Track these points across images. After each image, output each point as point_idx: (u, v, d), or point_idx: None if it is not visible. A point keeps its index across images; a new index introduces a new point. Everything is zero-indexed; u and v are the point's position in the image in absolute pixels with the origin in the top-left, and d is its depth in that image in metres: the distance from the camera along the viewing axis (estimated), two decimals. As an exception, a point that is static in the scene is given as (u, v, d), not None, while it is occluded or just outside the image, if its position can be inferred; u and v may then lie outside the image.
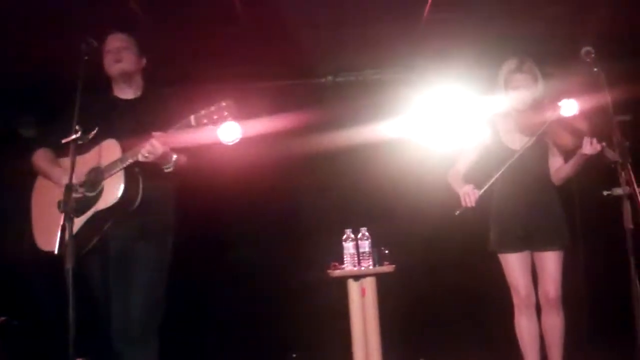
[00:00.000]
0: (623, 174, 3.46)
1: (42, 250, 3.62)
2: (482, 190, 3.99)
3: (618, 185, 3.44)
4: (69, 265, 3.11)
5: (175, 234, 3.76)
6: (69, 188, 3.19)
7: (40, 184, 3.78)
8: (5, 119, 5.73)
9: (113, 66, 3.70)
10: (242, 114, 3.62)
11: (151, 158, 3.44)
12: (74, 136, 3.26)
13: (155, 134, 3.44)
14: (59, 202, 3.41)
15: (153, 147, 3.42)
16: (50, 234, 3.48)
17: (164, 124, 3.50)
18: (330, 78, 6.02)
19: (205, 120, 3.42)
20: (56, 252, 3.09)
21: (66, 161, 3.53)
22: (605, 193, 3.48)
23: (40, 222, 3.71)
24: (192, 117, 3.44)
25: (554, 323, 4.12)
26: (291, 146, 5.57)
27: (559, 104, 4.04)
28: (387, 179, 5.84)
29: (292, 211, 6.04)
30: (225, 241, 6.02)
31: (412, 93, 5.87)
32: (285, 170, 5.84)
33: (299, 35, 5.19)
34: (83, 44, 3.38)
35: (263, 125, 5.58)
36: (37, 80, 5.30)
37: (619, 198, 3.42)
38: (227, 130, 5.77)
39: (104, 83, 3.81)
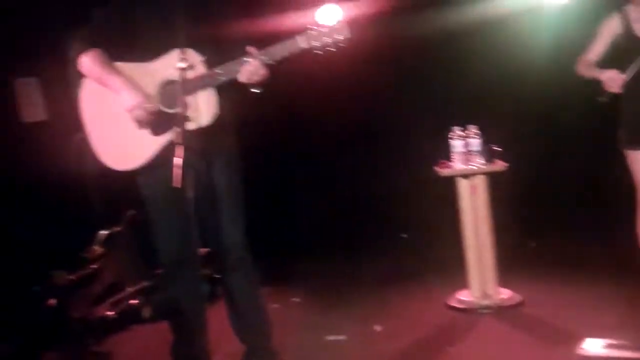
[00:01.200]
0: None
1: (111, 168, 3.34)
2: (628, 76, 3.77)
3: None
4: (191, 193, 3.09)
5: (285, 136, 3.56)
6: (184, 118, 2.97)
7: (91, 89, 3.38)
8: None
9: None
10: (356, 37, 3.25)
11: (254, 80, 3.14)
12: (182, 64, 3.01)
13: (253, 51, 3.11)
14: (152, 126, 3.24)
15: (256, 68, 3.12)
16: (122, 150, 3.31)
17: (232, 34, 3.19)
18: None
19: (315, 43, 3.05)
20: (177, 185, 2.84)
21: (121, 68, 3.30)
22: None
23: (104, 136, 3.36)
24: (298, 39, 3.08)
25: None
26: (392, 31, 5.30)
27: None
28: (498, 65, 5.55)
29: (397, 106, 5.86)
30: (331, 139, 5.98)
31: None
32: (384, 61, 5.62)
33: None
34: None
35: (361, 7, 5.32)
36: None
37: None
38: (325, 14, 5.57)
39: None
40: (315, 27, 3.09)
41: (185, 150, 2.93)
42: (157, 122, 3.26)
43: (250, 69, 3.12)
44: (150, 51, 3.24)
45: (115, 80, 3.27)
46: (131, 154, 3.31)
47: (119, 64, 3.31)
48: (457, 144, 4.54)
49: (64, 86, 5.58)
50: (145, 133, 3.29)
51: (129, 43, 3.28)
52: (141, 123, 3.26)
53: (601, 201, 5.32)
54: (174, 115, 3.10)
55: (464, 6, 5.36)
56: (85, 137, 3.42)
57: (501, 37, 5.50)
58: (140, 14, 3.27)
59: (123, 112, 3.28)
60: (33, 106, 5.63)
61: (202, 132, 3.21)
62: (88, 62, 3.30)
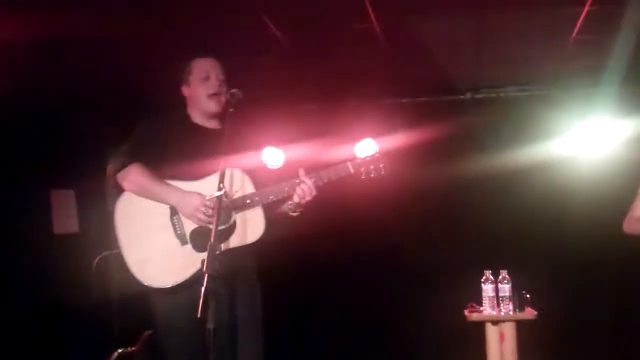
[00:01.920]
0: None
1: (143, 285, 3.23)
2: None
3: None
4: (211, 325, 3.00)
5: (295, 272, 3.58)
6: (213, 249, 2.87)
7: (128, 204, 3.34)
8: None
9: (215, 103, 3.34)
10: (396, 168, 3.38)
11: (306, 199, 3.21)
12: (219, 193, 3.00)
13: (303, 174, 3.22)
14: (187, 236, 3.19)
15: (310, 188, 3.21)
16: (159, 267, 3.25)
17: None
18: (469, 95, 5.77)
19: (362, 169, 3.27)
20: (199, 315, 2.78)
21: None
22: None
23: (140, 251, 3.29)
24: (349, 164, 3.26)
25: None
26: (426, 171, 5.35)
27: None
28: (533, 212, 5.51)
29: (426, 246, 5.79)
30: (351, 277, 5.87)
31: (557, 111, 5.53)
32: (417, 198, 5.61)
33: (439, 53, 4.96)
34: (228, 95, 3.22)
35: (398, 143, 5.41)
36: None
37: None
38: (363, 148, 5.67)
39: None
40: (362, 156, 3.34)
41: (212, 278, 2.89)
42: (200, 239, 3.21)
43: (304, 188, 3.20)
44: (194, 171, 3.26)
45: (167, 189, 3.27)
46: (166, 272, 3.24)
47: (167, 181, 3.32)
48: (487, 289, 4.48)
49: (97, 199, 5.75)
50: (183, 252, 3.24)
51: (172, 160, 3.31)
52: (184, 236, 3.24)
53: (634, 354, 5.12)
54: (223, 232, 3.12)
55: (501, 151, 5.45)
56: (112, 254, 3.42)
57: (537, 184, 5.50)
58: (182, 133, 3.33)
59: (160, 229, 3.27)
60: (66, 218, 5.70)
61: (241, 250, 3.20)
62: (133, 174, 3.29)
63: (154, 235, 3.29)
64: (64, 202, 5.71)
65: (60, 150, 5.46)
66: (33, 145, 5.32)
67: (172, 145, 3.32)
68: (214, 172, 3.22)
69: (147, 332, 4.85)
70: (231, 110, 3.22)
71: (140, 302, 3.41)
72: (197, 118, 3.42)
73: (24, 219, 5.24)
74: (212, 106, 3.35)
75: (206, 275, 2.85)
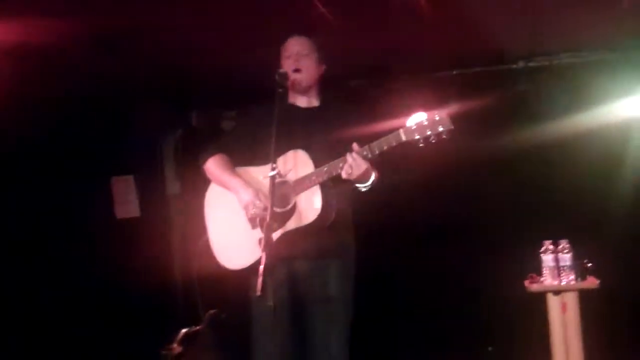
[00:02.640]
0: None
1: (224, 267, 3.41)
2: None
3: None
4: (271, 302, 3.02)
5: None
6: (270, 227, 2.99)
7: (213, 193, 3.56)
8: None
9: (291, 75, 3.40)
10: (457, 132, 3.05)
11: (354, 175, 3.13)
12: (272, 172, 3.07)
13: (356, 147, 3.15)
14: (257, 221, 3.26)
15: (356, 162, 3.12)
16: (234, 250, 3.39)
17: (350, 137, 3.22)
18: (522, 63, 5.67)
19: (417, 136, 3.03)
20: (258, 293, 2.86)
21: (242, 171, 3.45)
22: None
23: (220, 236, 3.48)
24: (401, 131, 3.07)
25: None
26: (482, 142, 5.29)
27: None
28: (592, 180, 5.39)
29: (484, 217, 5.69)
30: (407, 251, 5.83)
31: (613, 77, 5.40)
32: (474, 170, 5.54)
33: (489, 21, 4.88)
34: (276, 75, 3.28)
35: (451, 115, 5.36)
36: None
37: None
38: (415, 119, 5.59)
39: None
40: (417, 120, 3.06)
41: (270, 256, 2.93)
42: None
43: (351, 163, 3.13)
44: (268, 156, 3.28)
45: (232, 181, 3.43)
46: (242, 254, 3.35)
47: (243, 168, 3.47)
48: (547, 259, 4.43)
49: (157, 184, 5.89)
50: (253, 235, 3.32)
51: (252, 150, 3.45)
52: (255, 220, 3.32)
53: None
54: (282, 215, 3.20)
55: (556, 119, 5.36)
56: (207, 239, 3.53)
57: (594, 152, 5.38)
58: (264, 126, 3.38)
59: (239, 213, 3.38)
60: (127, 203, 5.86)
61: (304, 231, 3.23)
62: (212, 165, 3.51)
63: (231, 221, 3.44)
64: (124, 187, 5.88)
65: (120, 137, 5.60)
66: (94, 134, 5.46)
67: (268, 130, 3.32)
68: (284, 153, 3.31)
69: (212, 311, 4.98)
70: (280, 90, 3.27)
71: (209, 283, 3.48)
72: (292, 98, 3.51)
73: (87, 206, 5.41)
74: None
75: (263, 255, 2.93)
